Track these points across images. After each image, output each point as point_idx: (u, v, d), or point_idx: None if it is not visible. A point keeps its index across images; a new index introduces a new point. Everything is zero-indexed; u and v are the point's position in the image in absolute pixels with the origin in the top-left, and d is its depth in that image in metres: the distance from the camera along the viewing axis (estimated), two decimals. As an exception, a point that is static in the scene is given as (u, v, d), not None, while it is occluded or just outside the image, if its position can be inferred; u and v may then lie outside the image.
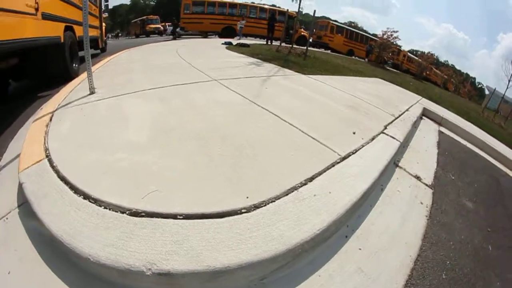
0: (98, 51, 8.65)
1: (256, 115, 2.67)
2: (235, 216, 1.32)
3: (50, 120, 2.26)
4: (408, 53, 24.70)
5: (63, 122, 2.20)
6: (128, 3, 47.43)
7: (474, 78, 46.98)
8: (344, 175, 1.83)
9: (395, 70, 18.01)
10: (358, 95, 4.34)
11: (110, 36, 26.42)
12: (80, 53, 7.54)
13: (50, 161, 1.65)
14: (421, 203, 2.10)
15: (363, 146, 2.36)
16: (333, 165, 1.94)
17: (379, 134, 2.73)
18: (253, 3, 18.94)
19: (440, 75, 26.30)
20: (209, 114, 2.53)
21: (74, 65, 4.80)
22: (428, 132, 3.92)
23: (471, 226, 2.06)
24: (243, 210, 1.36)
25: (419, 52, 31.05)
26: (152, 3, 44.88)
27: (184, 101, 2.82)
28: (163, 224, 1.22)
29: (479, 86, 44.00)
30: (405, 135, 3.02)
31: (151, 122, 2.25)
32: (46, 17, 3.67)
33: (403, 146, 2.86)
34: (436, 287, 1.43)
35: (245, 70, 4.82)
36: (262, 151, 1.97)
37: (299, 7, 7.90)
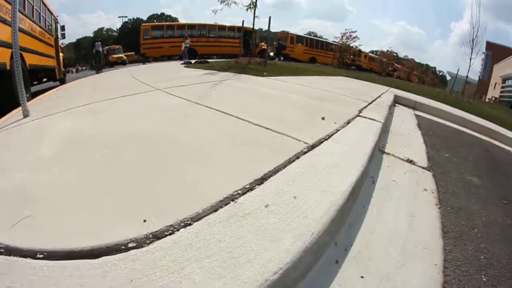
0: (57, 82, 7.93)
1: (196, 116, 2.38)
2: (117, 255, 0.87)
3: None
4: (369, 53, 25.91)
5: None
6: (91, 35, 46.24)
7: (435, 68, 50.20)
8: (316, 169, 1.35)
9: (358, 71, 18.66)
10: (325, 88, 4.06)
11: (74, 70, 25.65)
12: (42, 85, 6.89)
13: None
14: (425, 189, 1.73)
15: (337, 130, 1.97)
16: (297, 156, 1.46)
17: (355, 118, 2.35)
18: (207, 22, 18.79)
19: (402, 69, 27.73)
20: (137, 121, 2.27)
21: (26, 95, 4.34)
22: (405, 117, 3.66)
23: (486, 203, 1.73)
24: (130, 244, 0.90)
25: (379, 52, 32.69)
26: (114, 33, 44.21)
27: (115, 112, 2.63)
28: (18, 266, 0.85)
29: (440, 74, 47.10)
30: (385, 116, 2.67)
31: (68, 137, 2.01)
32: None
33: (384, 131, 2.50)
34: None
35: (196, 79, 4.54)
36: (192, 155, 1.62)
37: (254, 17, 7.84)
